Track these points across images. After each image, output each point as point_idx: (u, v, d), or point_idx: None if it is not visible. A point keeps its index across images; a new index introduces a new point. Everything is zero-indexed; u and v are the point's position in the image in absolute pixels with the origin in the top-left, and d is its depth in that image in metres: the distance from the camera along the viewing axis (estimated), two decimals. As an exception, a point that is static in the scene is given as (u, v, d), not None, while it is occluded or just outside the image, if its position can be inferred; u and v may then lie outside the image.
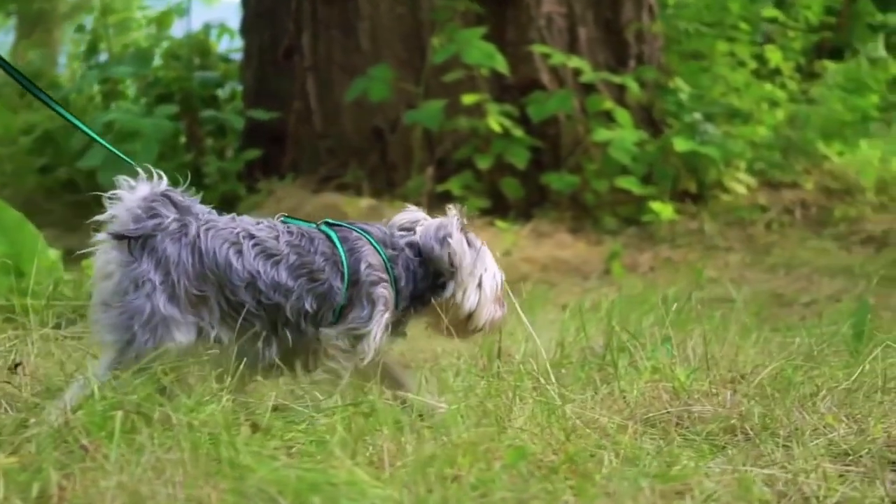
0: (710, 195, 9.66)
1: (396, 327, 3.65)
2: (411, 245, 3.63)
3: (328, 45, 9.72)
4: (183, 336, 3.35)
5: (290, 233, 3.52)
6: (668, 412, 3.80)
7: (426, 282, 3.63)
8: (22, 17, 14.87)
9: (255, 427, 3.20)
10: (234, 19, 10.89)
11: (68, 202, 10.16)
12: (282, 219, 3.61)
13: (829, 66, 10.95)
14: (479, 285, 3.68)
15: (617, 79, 9.52)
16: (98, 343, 3.48)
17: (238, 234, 3.44)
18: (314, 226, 3.62)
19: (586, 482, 2.89)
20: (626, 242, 8.92)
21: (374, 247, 3.59)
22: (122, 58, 10.58)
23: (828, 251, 8.60)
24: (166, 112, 9.61)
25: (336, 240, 3.56)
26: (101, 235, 3.42)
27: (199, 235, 3.39)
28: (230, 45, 11.43)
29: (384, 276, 3.56)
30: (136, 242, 3.36)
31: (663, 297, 7.03)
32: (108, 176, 3.61)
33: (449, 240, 3.59)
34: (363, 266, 3.53)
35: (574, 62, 9.45)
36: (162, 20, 11.31)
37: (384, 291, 3.56)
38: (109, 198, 3.42)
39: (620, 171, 9.28)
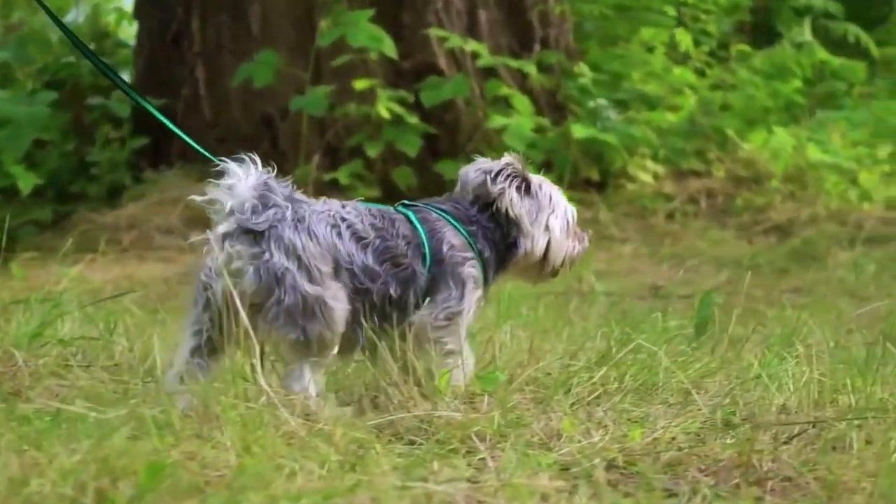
0: (615, 184, 9.33)
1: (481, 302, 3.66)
2: (482, 210, 3.60)
3: (217, 30, 9.36)
4: (336, 303, 3.34)
5: (373, 215, 3.50)
6: (414, 416, 3.47)
7: (503, 243, 3.63)
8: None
9: None
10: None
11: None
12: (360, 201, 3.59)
13: (747, 50, 10.60)
14: (548, 228, 3.65)
15: (514, 63, 9.17)
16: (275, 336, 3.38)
17: (335, 216, 3.42)
18: (393, 209, 3.60)
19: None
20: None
21: (454, 225, 3.56)
22: (6, 42, 10.21)
23: (726, 242, 8.27)
24: (46, 99, 9.23)
25: (416, 221, 3.54)
26: (222, 228, 3.33)
27: (309, 220, 3.37)
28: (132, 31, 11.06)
29: (468, 254, 3.55)
30: (261, 235, 3.31)
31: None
32: None
33: (501, 182, 3.59)
34: (445, 247, 3.51)
35: (472, 46, 9.11)
36: (60, 5, 10.94)
37: (472, 270, 3.55)
38: (220, 187, 3.40)
39: (518, 158, 8.91)
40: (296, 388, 3.37)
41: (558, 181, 8.93)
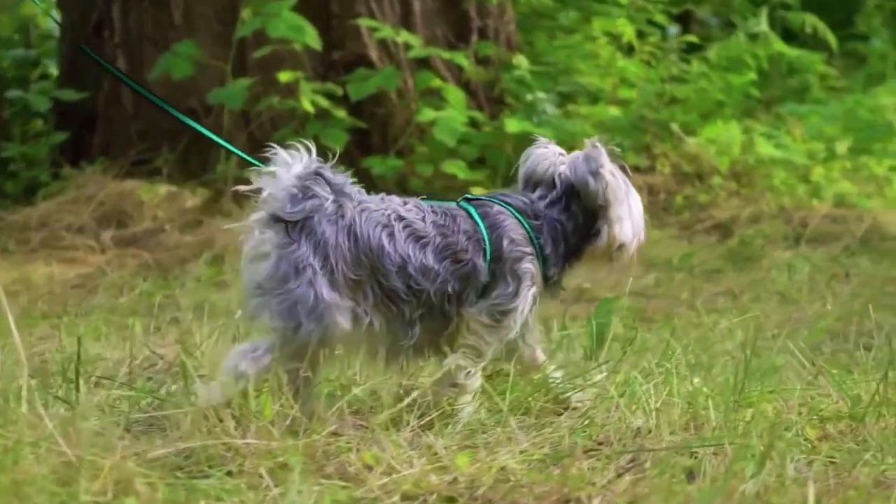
0: (555, 180, 8.92)
1: (553, 287, 3.59)
2: (553, 203, 3.54)
3: (139, 20, 8.97)
4: (343, 321, 3.29)
5: (435, 212, 3.45)
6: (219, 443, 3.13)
7: (577, 234, 3.56)
8: None
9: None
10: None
11: None
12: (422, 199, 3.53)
13: (696, 41, 10.22)
14: (631, 211, 3.62)
15: (446, 54, 8.79)
16: (255, 324, 3.38)
17: (389, 216, 3.37)
18: (455, 204, 3.54)
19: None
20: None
21: (517, 218, 3.50)
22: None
23: (662, 241, 7.88)
24: (-48, 92, 8.87)
25: (477, 216, 3.47)
26: (256, 215, 3.31)
27: (354, 218, 3.31)
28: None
29: (528, 249, 3.49)
30: (294, 225, 3.26)
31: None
32: None
33: (601, 171, 3.52)
34: (506, 242, 3.46)
35: (404, 37, 8.72)
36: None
37: (530, 266, 3.49)
38: (264, 175, 3.34)
39: (450, 154, 8.56)
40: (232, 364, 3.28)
41: (493, 177, 8.69)
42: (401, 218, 3.39)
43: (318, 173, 3.34)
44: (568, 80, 9.34)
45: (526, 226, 3.51)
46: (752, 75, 10.38)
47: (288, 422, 3.29)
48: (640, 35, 9.78)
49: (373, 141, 8.87)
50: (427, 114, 8.50)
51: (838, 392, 3.80)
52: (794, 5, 11.48)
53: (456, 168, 8.45)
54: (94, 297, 6.24)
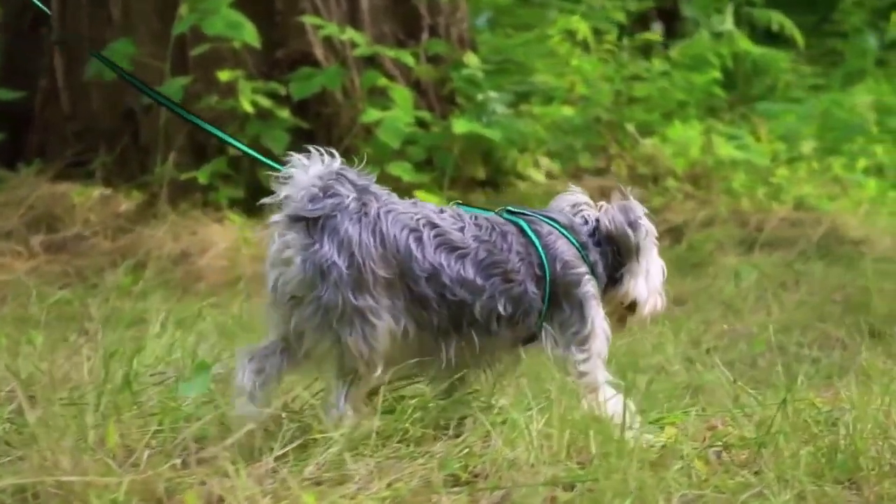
0: (505, 182, 8.67)
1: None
2: (590, 234, 3.47)
3: (77, 16, 8.67)
4: (380, 321, 3.16)
5: (479, 226, 3.33)
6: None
7: (606, 273, 3.49)
8: None
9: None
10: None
11: None
12: (454, 205, 3.44)
13: (656, 38, 9.95)
14: (649, 274, 3.56)
15: (392, 53, 8.52)
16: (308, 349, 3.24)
17: (419, 220, 3.26)
18: (494, 213, 3.45)
19: None
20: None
21: (566, 237, 3.41)
22: None
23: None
24: None
25: (531, 234, 3.36)
26: (275, 218, 3.25)
27: (379, 216, 3.21)
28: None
29: (583, 269, 3.40)
30: (314, 223, 3.16)
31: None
32: None
33: (640, 222, 3.48)
34: (558, 266, 3.36)
35: (349, 34, 8.45)
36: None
37: (590, 288, 3.40)
38: (281, 178, 3.29)
39: (396, 155, 8.29)
40: (331, 416, 3.18)
41: (439, 179, 8.42)
42: (433, 225, 3.27)
43: (340, 174, 3.27)
44: (522, 79, 9.06)
45: (575, 244, 3.42)
46: (716, 74, 10.13)
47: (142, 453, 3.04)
48: (598, 33, 9.51)
49: (318, 142, 8.46)
50: (372, 114, 8.23)
51: (744, 415, 3.54)
52: (759, 2, 11.20)
53: (401, 170, 8.17)
54: (4, 306, 5.97)
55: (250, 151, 3.90)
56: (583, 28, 8.91)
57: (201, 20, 7.90)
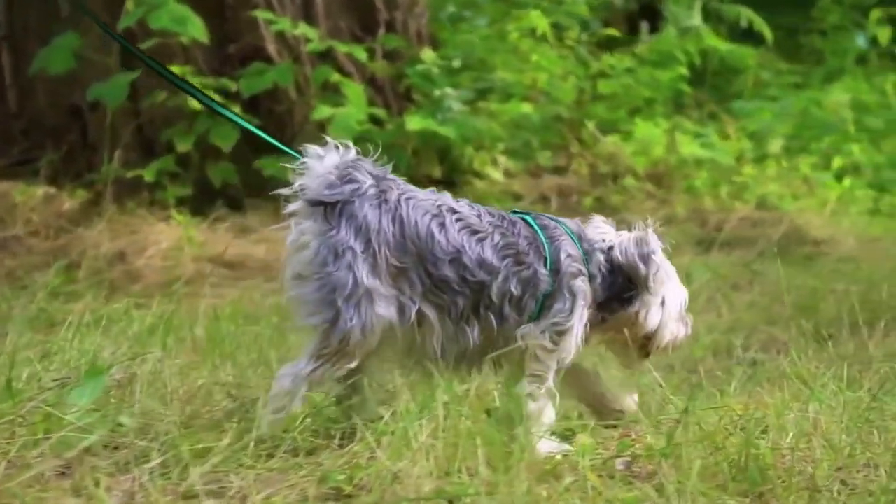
0: (463, 181, 8.49)
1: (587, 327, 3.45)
2: (603, 251, 3.45)
3: (24, 12, 8.50)
4: (385, 310, 3.16)
5: (491, 214, 3.37)
6: None
7: (613, 291, 3.46)
8: None
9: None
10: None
11: None
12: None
13: (618, 35, 9.78)
14: (663, 303, 3.54)
15: (345, 48, 8.33)
16: (298, 325, 3.26)
17: (440, 206, 3.28)
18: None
19: None
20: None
21: (571, 238, 3.43)
22: None
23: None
24: None
25: (536, 226, 3.42)
26: (293, 206, 3.24)
27: (399, 203, 3.22)
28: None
29: (583, 268, 3.41)
30: (332, 209, 3.17)
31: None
32: None
33: (653, 256, 3.47)
34: (563, 256, 3.39)
35: (302, 29, 8.26)
36: None
37: (583, 285, 3.40)
38: (297, 167, 3.28)
39: (348, 153, 8.09)
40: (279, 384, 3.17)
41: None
42: (453, 210, 3.29)
43: (356, 162, 3.27)
44: (482, 76, 8.88)
45: (579, 247, 3.43)
46: (682, 71, 9.96)
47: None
48: (560, 29, 9.34)
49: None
50: (323, 110, 8.05)
51: (653, 423, 3.37)
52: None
53: (352, 168, 7.97)
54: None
55: (271, 139, 3.78)
56: (542, 24, 8.72)
57: (147, 14, 7.69)
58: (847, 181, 10.35)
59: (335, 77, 8.28)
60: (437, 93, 8.46)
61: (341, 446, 3.11)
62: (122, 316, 5.33)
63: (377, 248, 3.17)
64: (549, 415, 3.36)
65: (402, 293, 3.21)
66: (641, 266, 3.45)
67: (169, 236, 7.29)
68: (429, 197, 3.33)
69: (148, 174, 7.83)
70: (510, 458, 2.86)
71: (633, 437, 3.47)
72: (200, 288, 6.65)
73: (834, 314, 5.57)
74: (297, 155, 3.41)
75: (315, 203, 3.21)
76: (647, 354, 3.62)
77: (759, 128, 11.14)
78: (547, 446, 3.22)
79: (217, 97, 7.98)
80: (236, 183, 8.17)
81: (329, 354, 3.17)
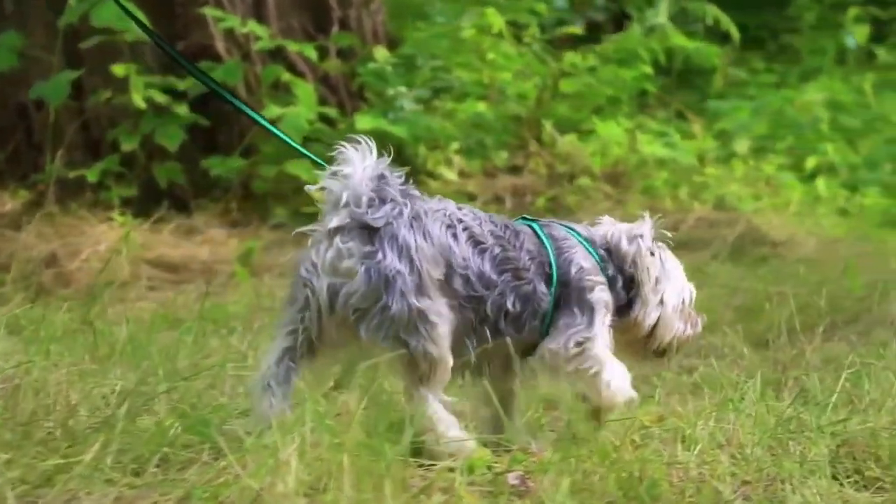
0: (416, 181, 8.28)
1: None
2: (608, 251, 3.42)
3: (-32, 8, 8.34)
4: (442, 318, 3.13)
5: (493, 223, 3.31)
6: None
7: (616, 295, 3.41)
8: None
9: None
10: None
11: None
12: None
13: (578, 32, 9.62)
14: (662, 301, 3.46)
15: (295, 46, 8.17)
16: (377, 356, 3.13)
17: (450, 216, 3.24)
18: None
19: None
20: (285, 239, 7.56)
21: (584, 246, 3.37)
22: None
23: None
24: None
25: (543, 237, 3.34)
26: (334, 221, 3.11)
27: (425, 216, 3.19)
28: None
29: (599, 278, 3.35)
30: (375, 231, 3.10)
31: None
32: None
33: (639, 239, 3.42)
34: (574, 269, 3.32)
35: (250, 27, 8.10)
36: None
37: (602, 295, 3.34)
38: (332, 176, 3.17)
39: (297, 153, 7.92)
40: (428, 414, 3.12)
41: (342, 179, 8.06)
42: (460, 220, 3.25)
43: (382, 175, 3.20)
44: (439, 75, 8.71)
45: (594, 254, 3.37)
46: (647, 69, 9.79)
47: None
48: (518, 27, 9.18)
49: (219, 139, 8.25)
50: (272, 110, 7.87)
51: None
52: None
53: (300, 169, 7.82)
54: None
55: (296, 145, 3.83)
56: (497, 21, 8.55)
57: (90, 10, 7.52)
58: (821, 181, 10.21)
59: (286, 76, 8.12)
60: (390, 91, 8.30)
61: (216, 459, 2.95)
62: (40, 319, 5.16)
63: (420, 266, 3.13)
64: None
65: (447, 303, 3.17)
66: (625, 241, 3.41)
67: (110, 238, 7.13)
68: (438, 207, 3.28)
69: (91, 174, 7.66)
70: (378, 474, 2.70)
71: (533, 449, 3.31)
72: (134, 291, 6.50)
73: (777, 319, 5.41)
74: (321, 163, 3.34)
75: (362, 227, 3.12)
76: (661, 354, 3.56)
77: (730, 127, 11.02)
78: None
79: (162, 97, 7.86)
80: (183, 183, 8.02)
81: (426, 376, 3.14)
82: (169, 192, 7.94)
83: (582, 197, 8.12)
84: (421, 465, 3.18)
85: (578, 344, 3.30)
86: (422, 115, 8.17)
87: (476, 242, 3.24)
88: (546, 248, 3.33)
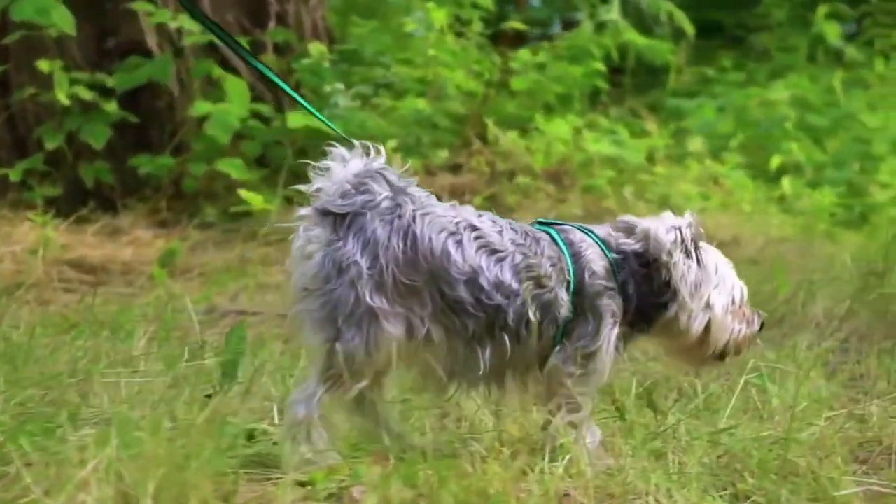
0: (354, 179, 8.09)
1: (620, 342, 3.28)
2: (636, 254, 3.26)
3: None
4: (392, 328, 3.02)
5: (514, 230, 3.22)
6: None
7: (650, 297, 3.27)
8: None
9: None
10: None
11: None
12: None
13: (523, 28, 9.42)
14: (708, 305, 3.30)
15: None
16: (301, 342, 3.17)
17: (458, 223, 3.13)
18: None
19: None
20: (211, 238, 7.36)
21: (600, 247, 3.26)
22: None
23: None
24: None
25: (561, 242, 3.24)
26: (303, 210, 3.10)
27: (413, 219, 3.08)
28: None
29: (609, 283, 3.24)
30: (342, 219, 3.04)
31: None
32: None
33: (677, 233, 3.25)
34: (587, 275, 3.22)
35: (181, 21, 7.88)
36: None
37: (611, 302, 3.23)
38: (317, 170, 3.16)
39: (228, 151, 7.74)
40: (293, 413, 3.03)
41: (273, 177, 7.86)
42: (473, 227, 3.13)
43: (380, 172, 3.14)
44: (377, 72, 8.51)
45: (609, 256, 3.25)
46: (598, 66, 9.60)
47: None
48: (462, 23, 8.97)
49: (149, 136, 8.04)
50: (201, 107, 7.68)
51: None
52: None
53: (231, 167, 7.62)
54: None
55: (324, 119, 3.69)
56: (438, 17, 8.35)
57: (10, 5, 7.30)
58: (786, 180, 10.04)
59: (217, 72, 7.91)
60: (326, 88, 8.10)
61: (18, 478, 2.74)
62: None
63: (384, 265, 3.03)
64: (594, 434, 3.26)
65: (412, 312, 3.07)
66: (665, 257, 3.24)
67: (29, 239, 6.91)
68: (447, 213, 3.16)
69: (14, 174, 7.45)
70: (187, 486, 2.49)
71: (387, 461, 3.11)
72: (47, 293, 6.29)
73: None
74: (340, 133, 3.37)
75: (324, 213, 3.07)
76: (720, 358, 3.39)
77: (692, 126, 10.84)
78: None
79: (89, 93, 7.65)
80: (110, 182, 7.80)
81: (336, 375, 3.04)
82: (96, 191, 7.74)
83: (521, 196, 7.91)
84: (269, 479, 2.99)
85: (584, 361, 3.20)
86: (357, 113, 7.95)
87: (493, 251, 3.14)
88: (564, 254, 3.24)
